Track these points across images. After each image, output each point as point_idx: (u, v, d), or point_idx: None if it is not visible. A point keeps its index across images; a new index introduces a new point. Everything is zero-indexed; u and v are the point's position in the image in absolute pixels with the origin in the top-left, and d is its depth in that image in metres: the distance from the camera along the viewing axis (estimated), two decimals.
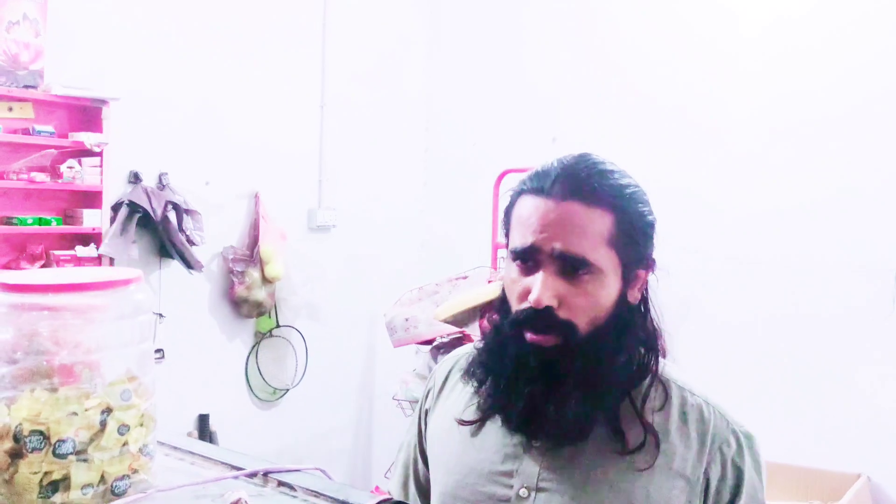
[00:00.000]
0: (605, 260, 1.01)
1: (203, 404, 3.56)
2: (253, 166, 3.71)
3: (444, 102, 4.37)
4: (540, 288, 0.99)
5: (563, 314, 1.00)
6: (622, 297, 1.04)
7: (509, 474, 1.05)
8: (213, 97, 3.55)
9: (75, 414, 0.75)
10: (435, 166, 4.41)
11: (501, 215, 1.12)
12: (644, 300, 1.08)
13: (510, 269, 1.07)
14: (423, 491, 1.22)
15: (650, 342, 1.06)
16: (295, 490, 0.75)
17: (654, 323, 1.08)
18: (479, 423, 1.09)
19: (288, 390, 3.92)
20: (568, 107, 3.84)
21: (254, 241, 3.66)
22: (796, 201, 3.20)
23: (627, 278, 1.04)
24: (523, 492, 1.03)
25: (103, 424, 0.76)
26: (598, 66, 3.76)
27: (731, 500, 1.03)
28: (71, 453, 0.74)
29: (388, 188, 4.27)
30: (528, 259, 1.02)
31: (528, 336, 1.01)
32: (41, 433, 0.74)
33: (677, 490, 1.01)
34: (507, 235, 1.10)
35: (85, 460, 0.75)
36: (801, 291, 3.19)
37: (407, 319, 3.22)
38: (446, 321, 3.19)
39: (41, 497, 0.74)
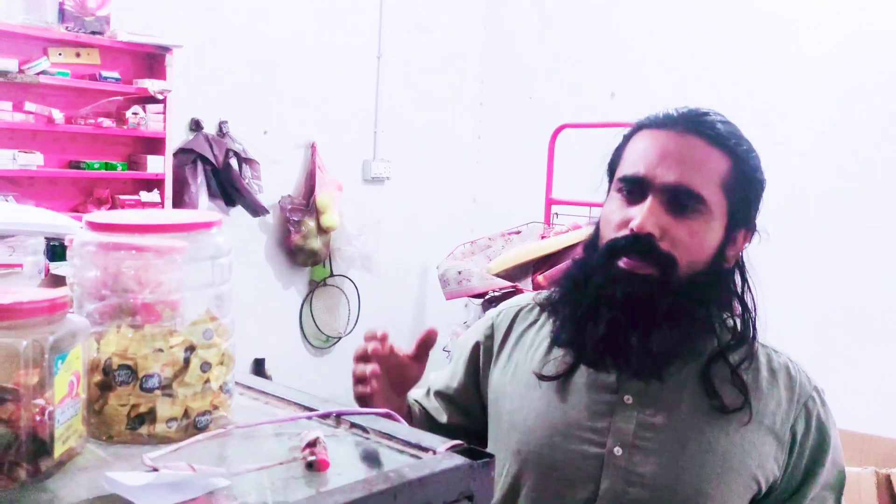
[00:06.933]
0: (716, 202, 0.98)
1: (259, 349, 3.65)
2: (310, 116, 3.73)
3: (500, 55, 4.31)
4: (645, 213, 0.96)
5: (664, 245, 0.96)
6: (721, 250, 1.01)
7: (601, 432, 1.00)
8: (272, 47, 3.56)
9: (161, 350, 0.77)
10: (490, 120, 4.38)
11: (607, 159, 1.07)
12: (741, 268, 1.05)
13: (611, 201, 1.02)
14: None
15: (748, 310, 1.03)
16: (368, 432, 0.77)
17: (753, 292, 1.04)
18: (563, 378, 1.03)
19: (340, 338, 4.00)
20: (628, 61, 3.75)
21: (310, 191, 3.70)
22: (849, 168, 3.11)
23: (730, 233, 1.01)
24: (618, 450, 0.99)
25: (187, 362, 0.78)
26: (659, 20, 3.66)
27: (815, 455, 1.02)
28: (157, 388, 0.77)
29: (442, 141, 4.26)
30: (636, 189, 0.99)
31: (622, 262, 0.97)
32: (129, 368, 0.76)
33: (768, 446, 1.00)
34: (611, 174, 1.06)
35: (170, 395, 0.77)
36: (861, 256, 3.11)
37: (460, 273, 3.23)
38: (499, 275, 3.20)
39: (128, 428, 0.77)
